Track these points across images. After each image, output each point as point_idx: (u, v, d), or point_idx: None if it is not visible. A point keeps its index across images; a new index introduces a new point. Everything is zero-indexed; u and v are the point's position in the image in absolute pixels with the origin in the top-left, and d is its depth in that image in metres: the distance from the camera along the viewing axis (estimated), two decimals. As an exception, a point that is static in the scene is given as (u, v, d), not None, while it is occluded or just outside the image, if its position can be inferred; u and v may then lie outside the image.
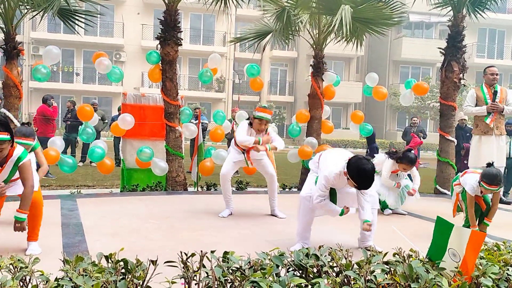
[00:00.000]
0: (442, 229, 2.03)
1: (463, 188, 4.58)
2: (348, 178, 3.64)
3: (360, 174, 3.54)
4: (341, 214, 3.91)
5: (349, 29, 6.98)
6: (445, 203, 6.75)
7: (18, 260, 1.86)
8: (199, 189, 7.97)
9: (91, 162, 9.89)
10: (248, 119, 5.46)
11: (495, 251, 2.29)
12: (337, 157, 3.88)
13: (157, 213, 5.26)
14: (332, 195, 3.97)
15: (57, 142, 6.80)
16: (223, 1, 7.58)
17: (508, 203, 7.40)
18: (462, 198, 4.64)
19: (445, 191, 7.98)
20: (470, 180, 4.44)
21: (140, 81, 29.63)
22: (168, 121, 7.40)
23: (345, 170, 3.64)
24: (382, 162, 5.78)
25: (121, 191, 7.54)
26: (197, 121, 8.56)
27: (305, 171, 8.26)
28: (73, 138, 11.59)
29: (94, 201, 5.95)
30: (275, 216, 5.47)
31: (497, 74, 7.21)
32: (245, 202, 6.58)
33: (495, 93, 7.03)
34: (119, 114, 12.72)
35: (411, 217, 5.90)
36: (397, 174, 5.82)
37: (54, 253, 3.48)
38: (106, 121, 13.34)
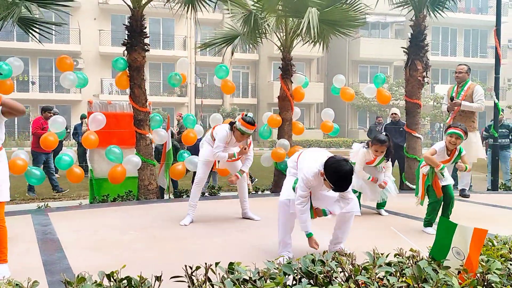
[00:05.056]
0: (446, 228, 2.06)
1: (430, 167, 4.84)
2: (324, 179, 3.51)
3: (337, 175, 3.41)
4: (308, 236, 3.72)
5: (316, 31, 7.05)
6: (415, 198, 6.90)
7: (17, 285, 1.76)
8: (171, 196, 7.86)
9: (56, 172, 9.58)
10: (231, 124, 5.22)
11: (490, 246, 2.35)
12: (316, 156, 3.74)
13: (134, 224, 5.13)
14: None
15: (21, 155, 6.55)
16: (190, 6, 7.49)
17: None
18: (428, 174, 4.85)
19: (414, 186, 8.15)
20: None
21: (100, 88, 28.96)
22: (138, 128, 7.25)
23: (322, 170, 3.53)
24: (357, 152, 5.65)
25: (90, 203, 7.32)
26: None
27: (278, 173, 8.28)
28: None
29: (66, 215, 5.74)
30: (250, 219, 5.45)
31: (459, 72, 7.46)
32: (222, 207, 6.52)
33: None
34: (82, 123, 12.45)
35: (387, 214, 5.99)
36: (376, 167, 5.65)
37: (36, 272, 3.34)
38: (69, 130, 12.98)
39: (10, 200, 8.10)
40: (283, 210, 3.85)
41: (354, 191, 5.85)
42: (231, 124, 5.17)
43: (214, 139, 5.19)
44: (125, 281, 1.89)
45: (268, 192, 8.42)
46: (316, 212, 3.85)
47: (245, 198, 5.52)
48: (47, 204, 6.94)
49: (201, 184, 5.36)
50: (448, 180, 4.97)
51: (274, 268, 2.00)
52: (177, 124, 9.15)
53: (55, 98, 28.21)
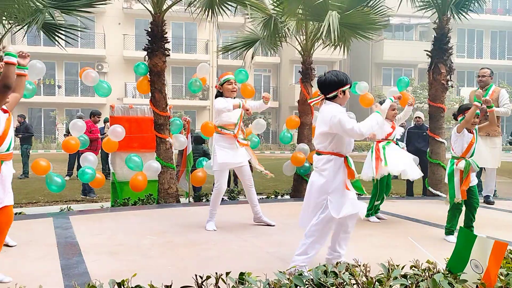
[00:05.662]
0: (465, 239, 1.99)
1: (465, 161, 4.65)
2: (342, 93, 3.46)
3: (335, 73, 3.45)
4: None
5: (337, 34, 6.98)
6: (439, 205, 6.77)
7: (27, 292, 1.77)
8: (191, 200, 7.89)
9: (77, 176, 9.71)
10: (217, 94, 5.40)
11: (511, 259, 2.27)
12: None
13: (152, 228, 5.15)
14: None
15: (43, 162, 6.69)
16: (210, 10, 7.53)
17: None
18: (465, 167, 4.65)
19: (438, 192, 7.99)
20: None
21: (123, 92, 29.38)
22: (158, 132, 7.30)
23: (332, 95, 3.45)
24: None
25: (112, 205, 7.41)
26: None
27: (298, 177, 8.22)
28: (25, 149, 12.71)
29: (87, 218, 5.81)
30: (264, 223, 5.39)
31: (483, 76, 7.29)
32: (239, 212, 6.50)
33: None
34: (105, 126, 12.61)
35: (407, 221, 5.89)
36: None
37: (54, 276, 3.38)
38: (93, 134, 13.15)
39: (34, 202, 8.31)
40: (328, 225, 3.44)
41: (373, 195, 5.82)
42: (218, 92, 5.40)
43: (220, 131, 5.30)
44: (135, 290, 1.89)
45: (287, 196, 8.38)
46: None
47: (254, 202, 5.41)
48: (70, 207, 7.06)
49: (221, 191, 5.27)
50: (472, 181, 4.78)
51: (285, 279, 1.97)
52: (184, 129, 9.14)
53: (81, 101, 28.80)
